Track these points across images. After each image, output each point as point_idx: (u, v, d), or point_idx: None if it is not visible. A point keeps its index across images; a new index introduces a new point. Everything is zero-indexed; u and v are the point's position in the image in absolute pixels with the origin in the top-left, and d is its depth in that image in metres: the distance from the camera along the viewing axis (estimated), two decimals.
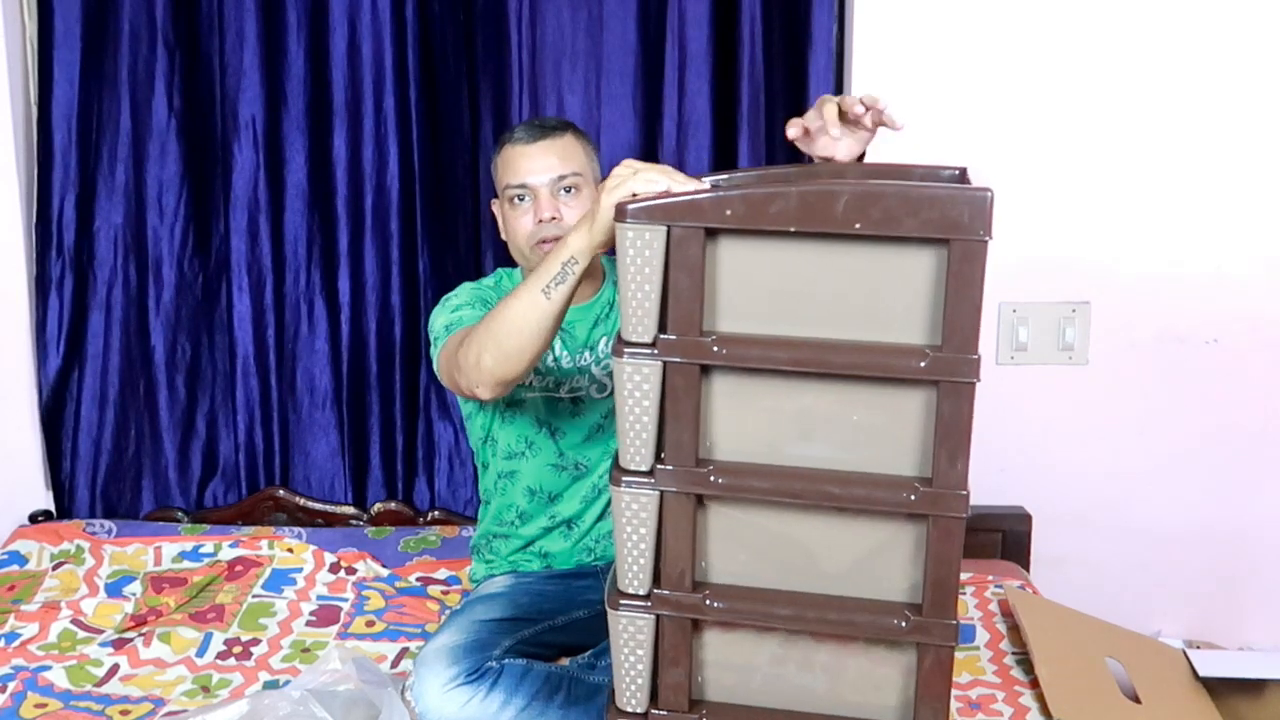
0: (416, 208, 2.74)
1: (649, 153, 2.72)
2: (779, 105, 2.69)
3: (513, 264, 2.32)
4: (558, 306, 1.83)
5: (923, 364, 1.48)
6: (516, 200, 2.20)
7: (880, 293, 1.49)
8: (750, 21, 2.64)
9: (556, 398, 2.26)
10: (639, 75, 2.71)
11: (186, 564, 2.59)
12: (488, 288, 2.30)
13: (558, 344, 2.27)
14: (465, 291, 2.25)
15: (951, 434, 1.50)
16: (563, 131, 2.22)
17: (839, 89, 2.66)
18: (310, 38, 2.70)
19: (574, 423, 2.28)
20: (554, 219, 2.17)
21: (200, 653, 2.29)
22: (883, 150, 1.86)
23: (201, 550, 2.62)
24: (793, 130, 1.84)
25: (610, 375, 2.27)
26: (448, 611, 2.38)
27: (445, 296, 2.27)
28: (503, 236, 2.29)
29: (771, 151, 2.67)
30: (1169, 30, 2.60)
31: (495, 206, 2.30)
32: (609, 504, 2.28)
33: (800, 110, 2.64)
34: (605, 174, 2.63)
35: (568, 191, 2.19)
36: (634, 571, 1.63)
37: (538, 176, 2.18)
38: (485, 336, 1.89)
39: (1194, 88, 2.62)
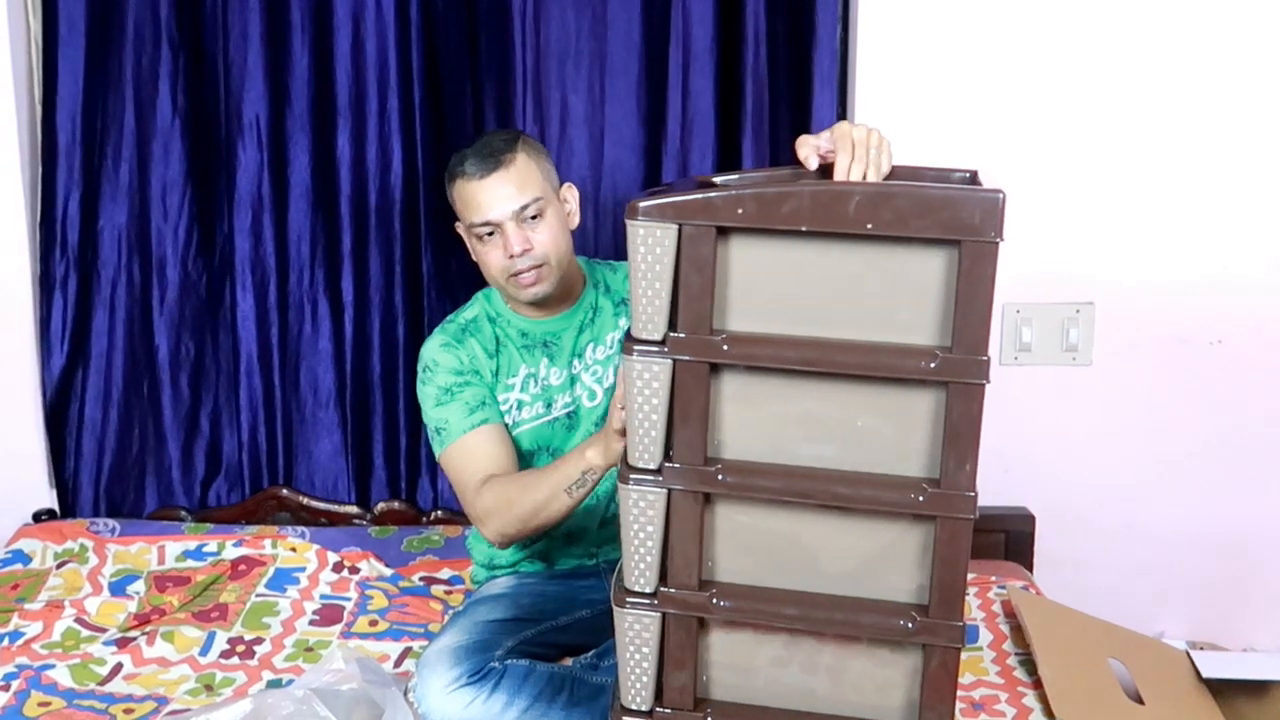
0: (420, 207, 2.74)
1: (653, 152, 2.72)
2: (783, 105, 2.69)
3: None
4: (577, 500, 2.03)
5: (932, 365, 1.48)
6: (485, 236, 2.19)
7: (891, 293, 1.50)
8: (754, 21, 2.64)
9: (551, 419, 2.26)
10: (643, 75, 2.70)
11: (190, 563, 2.59)
12: (463, 327, 2.29)
13: (544, 362, 2.27)
14: (442, 366, 2.24)
15: (960, 435, 1.50)
16: (512, 154, 2.17)
17: (843, 89, 2.66)
18: (314, 37, 2.69)
19: (569, 437, 2.28)
20: (525, 251, 2.16)
21: (203, 652, 2.29)
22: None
23: (205, 549, 2.62)
24: (811, 158, 1.72)
25: (599, 382, 2.27)
26: (451, 611, 2.38)
27: (422, 358, 2.29)
28: (473, 257, 2.28)
29: (776, 151, 2.67)
30: (1173, 32, 2.60)
31: (460, 228, 2.28)
32: (607, 511, 2.29)
33: (805, 111, 2.65)
34: (601, 173, 2.66)
35: (533, 218, 2.17)
36: (641, 569, 1.63)
37: (499, 211, 2.16)
38: (508, 515, 2.10)
39: (1199, 90, 2.62)
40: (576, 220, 2.28)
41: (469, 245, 2.27)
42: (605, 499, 2.31)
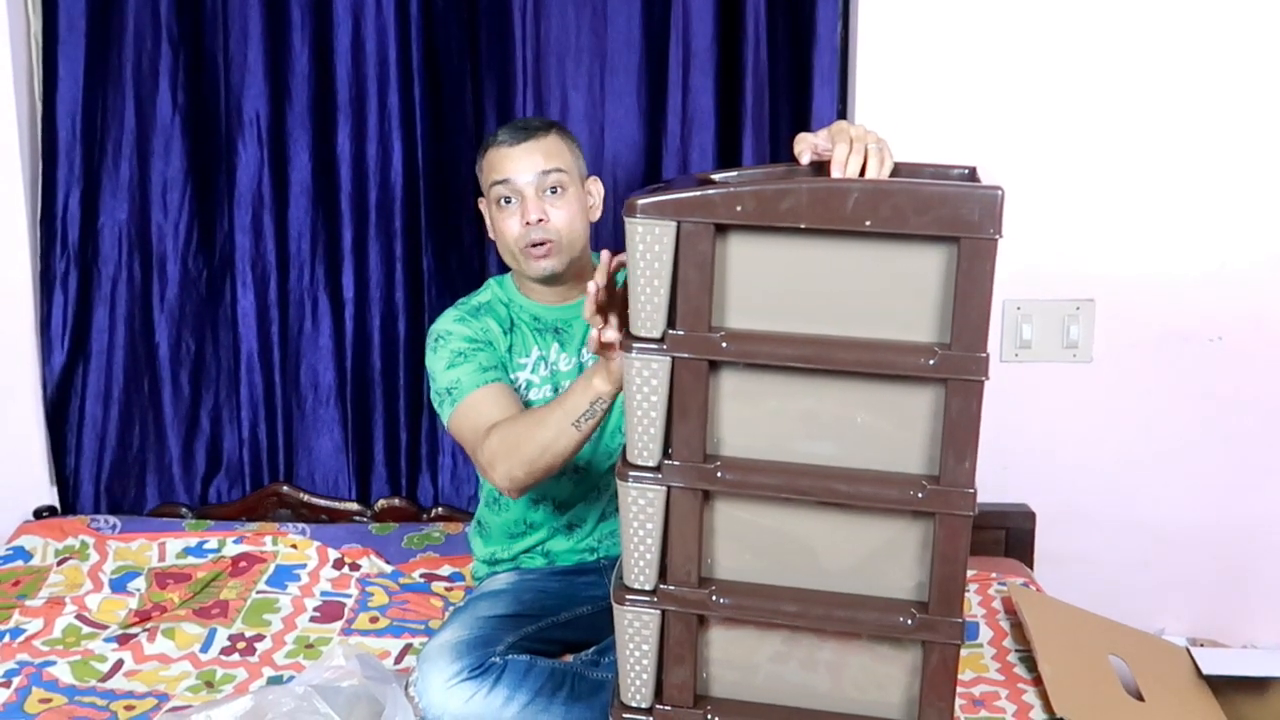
0: (420, 204, 2.74)
1: (653, 149, 2.72)
2: (783, 102, 2.69)
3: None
4: (586, 433, 1.96)
5: (931, 362, 1.48)
6: (502, 202, 2.21)
7: (889, 290, 1.50)
8: (754, 18, 2.64)
9: None
10: (643, 72, 2.70)
11: (191, 560, 2.59)
12: (477, 308, 2.30)
13: (555, 347, 2.27)
14: (455, 334, 2.24)
15: (959, 432, 1.50)
16: (546, 131, 2.22)
17: (844, 87, 2.66)
18: (314, 34, 2.69)
19: None
20: (541, 221, 2.18)
21: (204, 648, 2.29)
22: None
23: (206, 546, 2.62)
24: (805, 154, 1.74)
25: None
26: (451, 608, 2.38)
27: (434, 330, 2.27)
28: (490, 235, 2.30)
29: (776, 148, 2.67)
30: (1173, 28, 2.60)
31: (483, 205, 2.30)
32: (609, 504, 2.29)
33: (805, 108, 2.65)
34: (601, 170, 2.67)
35: (553, 191, 2.19)
36: (640, 567, 1.63)
37: (522, 176, 2.18)
38: (515, 456, 2.01)
39: (1198, 86, 2.62)
40: (598, 214, 2.30)
41: (488, 218, 2.28)
42: (606, 495, 2.31)
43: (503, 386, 2.19)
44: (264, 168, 2.73)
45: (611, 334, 1.83)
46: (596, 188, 2.30)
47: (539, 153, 2.19)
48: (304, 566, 2.54)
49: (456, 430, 2.18)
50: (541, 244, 2.19)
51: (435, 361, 2.24)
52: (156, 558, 2.60)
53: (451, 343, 2.24)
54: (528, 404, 2.25)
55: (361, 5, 2.67)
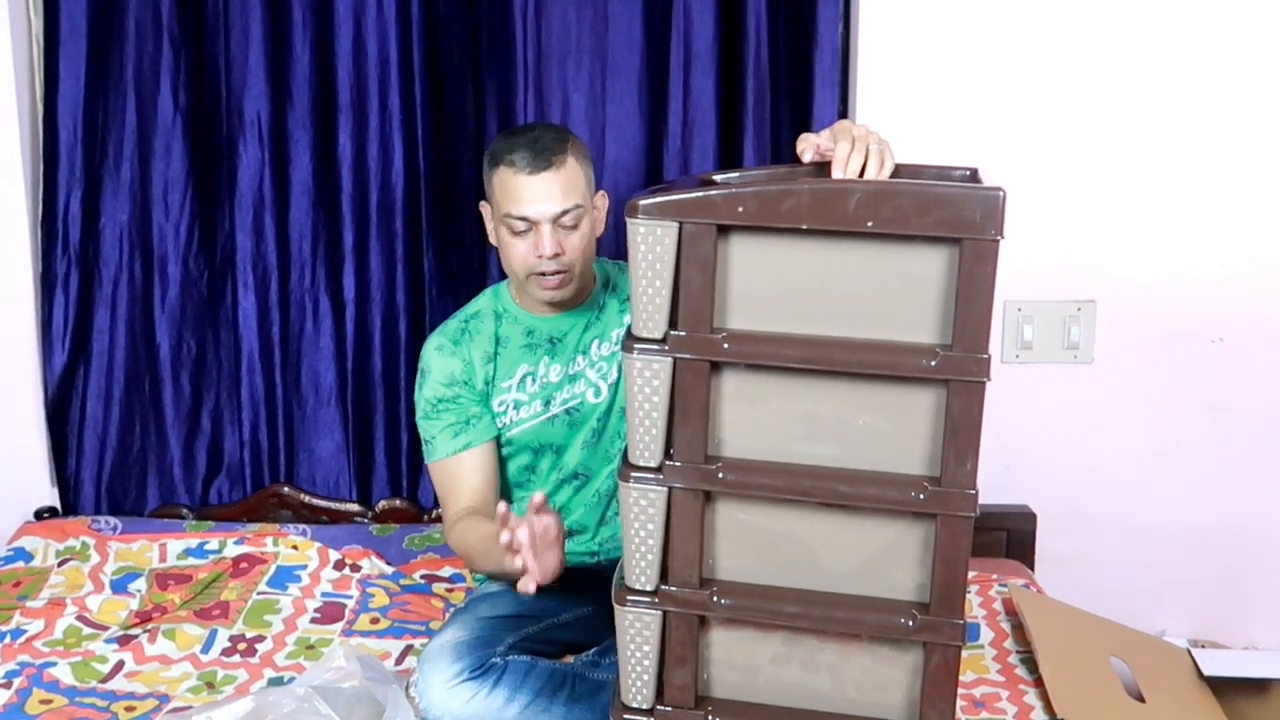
0: (421, 205, 2.74)
1: (654, 151, 2.72)
2: (784, 104, 2.69)
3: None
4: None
5: (933, 363, 1.48)
6: (518, 230, 2.18)
7: (891, 291, 1.50)
8: (755, 19, 2.64)
9: (550, 417, 2.27)
10: (644, 73, 2.70)
11: (191, 561, 2.59)
12: (463, 326, 2.30)
13: (545, 360, 2.27)
14: (436, 372, 2.28)
15: (961, 433, 1.50)
16: (563, 156, 2.16)
17: (845, 88, 2.66)
18: (315, 35, 2.69)
19: (571, 434, 2.28)
20: (556, 255, 2.16)
21: (205, 649, 2.29)
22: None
23: (206, 547, 2.62)
24: (807, 152, 1.74)
25: (604, 378, 2.27)
26: (452, 609, 2.38)
27: (421, 356, 2.33)
28: (491, 241, 2.29)
29: (777, 150, 2.67)
30: (1174, 29, 2.60)
31: (485, 210, 2.29)
32: (610, 509, 2.30)
33: (806, 109, 2.65)
34: (602, 171, 2.67)
35: (570, 226, 2.18)
36: (641, 567, 1.64)
37: (540, 209, 2.15)
38: (468, 564, 2.32)
39: (1200, 88, 2.62)
40: (603, 228, 2.30)
41: (492, 229, 2.27)
42: (606, 498, 2.31)
43: (474, 455, 2.26)
44: (265, 169, 2.73)
45: (531, 585, 1.89)
46: (602, 202, 2.29)
47: (558, 186, 2.14)
48: (305, 567, 2.54)
49: (432, 480, 2.34)
50: (554, 274, 2.18)
51: (417, 395, 2.31)
52: (157, 559, 2.60)
53: (429, 385, 2.28)
54: (517, 423, 2.28)
55: (363, 6, 2.67)
